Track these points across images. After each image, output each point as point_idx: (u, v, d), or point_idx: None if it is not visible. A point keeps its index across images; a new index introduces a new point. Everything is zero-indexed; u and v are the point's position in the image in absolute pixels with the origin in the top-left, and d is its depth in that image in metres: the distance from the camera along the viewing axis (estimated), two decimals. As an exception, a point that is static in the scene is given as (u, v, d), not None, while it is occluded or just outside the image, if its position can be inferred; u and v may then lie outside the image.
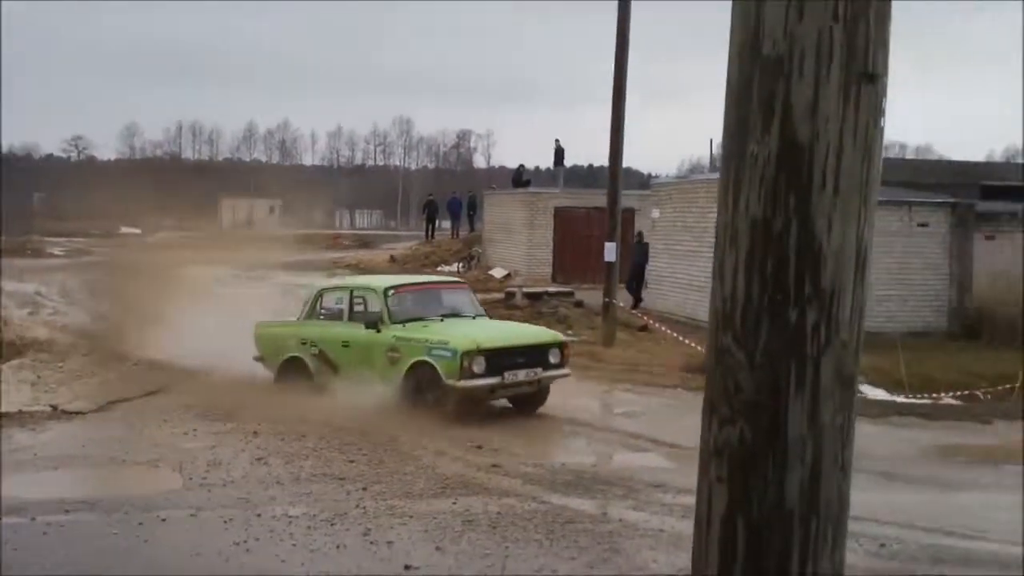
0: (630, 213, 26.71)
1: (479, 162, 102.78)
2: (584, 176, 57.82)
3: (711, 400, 1.96)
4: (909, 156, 74.94)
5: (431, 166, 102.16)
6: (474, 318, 13.88)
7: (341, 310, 13.91)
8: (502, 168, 77.67)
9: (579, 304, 22.67)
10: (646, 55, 47.46)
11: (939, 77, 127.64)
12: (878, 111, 1.93)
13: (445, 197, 43.70)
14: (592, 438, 12.23)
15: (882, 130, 1.95)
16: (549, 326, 16.63)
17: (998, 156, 73.20)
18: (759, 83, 1.91)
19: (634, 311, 22.34)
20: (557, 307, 21.97)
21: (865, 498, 9.90)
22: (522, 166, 40.05)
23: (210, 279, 21.18)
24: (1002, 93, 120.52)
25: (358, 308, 13.75)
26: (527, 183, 36.93)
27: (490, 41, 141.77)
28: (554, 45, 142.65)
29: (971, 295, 21.54)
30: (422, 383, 12.45)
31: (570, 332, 18.25)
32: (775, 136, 1.89)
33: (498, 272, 31.09)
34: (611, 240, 19.26)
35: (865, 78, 1.90)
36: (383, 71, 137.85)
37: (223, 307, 16.87)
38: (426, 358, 12.45)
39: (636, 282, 24.05)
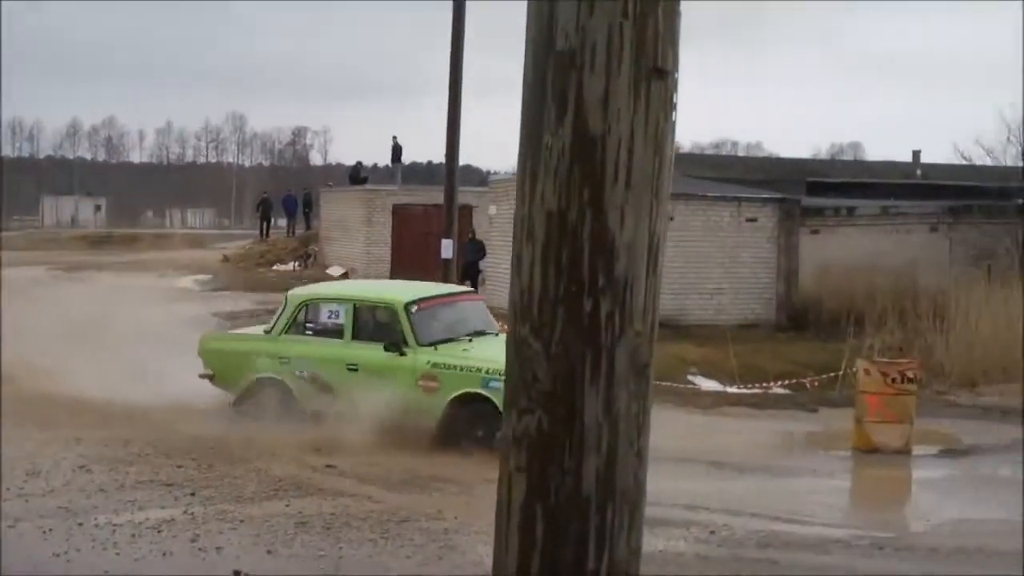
0: (468, 210, 26.83)
1: (316, 159, 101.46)
2: (423, 173, 57.77)
3: (511, 391, 1.98)
4: (741, 153, 77.37)
5: (266, 163, 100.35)
6: (497, 335, 12.07)
7: (340, 326, 11.85)
8: (340, 165, 76.85)
9: (417, 301, 22.65)
10: (484, 50, 47.48)
11: (771, 77, 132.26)
12: (669, 106, 1.98)
13: (280, 195, 43.12)
14: (428, 436, 12.20)
15: (673, 125, 2.00)
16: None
17: (824, 153, 76.20)
18: (553, 77, 1.94)
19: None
20: (394, 305, 21.87)
21: (696, 486, 10.23)
22: (360, 163, 39.81)
23: (28, 281, 20.37)
24: (830, 93, 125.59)
25: (365, 324, 11.88)
26: (364, 180, 36.69)
27: (327, 36, 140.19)
28: (392, 40, 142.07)
29: (798, 288, 22.36)
30: (473, 418, 10.93)
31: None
32: (568, 129, 1.92)
33: (335, 270, 30.80)
34: (448, 237, 19.29)
35: (655, 73, 1.94)
36: (215, 66, 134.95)
37: (44, 310, 16.21)
38: (481, 391, 10.91)
39: (471, 280, 24.16)
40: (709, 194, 23.09)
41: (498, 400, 10.51)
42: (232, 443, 10.72)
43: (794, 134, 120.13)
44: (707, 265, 22.04)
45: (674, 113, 2.00)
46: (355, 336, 11.73)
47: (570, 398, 1.90)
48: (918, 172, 38.07)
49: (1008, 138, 27.36)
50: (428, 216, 28.00)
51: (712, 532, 8.76)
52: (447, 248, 19.24)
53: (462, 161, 20.23)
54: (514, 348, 1.98)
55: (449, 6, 18.96)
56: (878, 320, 18.33)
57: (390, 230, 31.11)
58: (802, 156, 54.39)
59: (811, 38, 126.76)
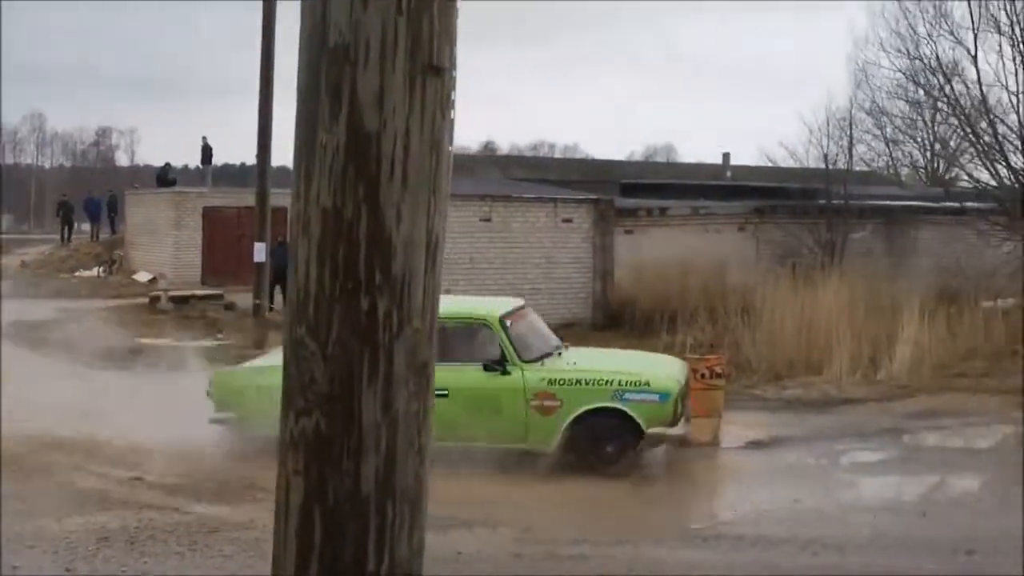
0: (283, 213, 26.32)
1: (122, 160, 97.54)
2: (235, 175, 56.39)
3: (288, 393, 1.94)
4: (558, 155, 78.45)
5: (68, 164, 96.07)
6: (568, 348, 11.80)
7: None
8: (147, 167, 74.25)
9: (229, 307, 22.23)
10: (296, 50, 46.66)
11: (587, 80, 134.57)
12: (446, 103, 1.97)
13: (84, 197, 41.60)
14: (247, 442, 11.90)
15: (452, 122, 1.99)
16: (198, 330, 16.11)
17: (638, 155, 77.94)
18: (326, 72, 1.91)
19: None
20: (205, 311, 21.42)
21: (512, 486, 10.30)
22: (168, 164, 38.73)
23: None
24: (645, 96, 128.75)
25: (445, 342, 10.41)
26: (173, 182, 35.71)
27: (133, 33, 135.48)
28: (203, 39, 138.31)
29: (613, 287, 22.82)
30: (602, 436, 10.39)
31: (220, 336, 17.82)
32: (343, 125, 1.89)
33: (142, 276, 29.84)
34: (261, 240, 18.96)
35: (431, 70, 1.93)
36: (9, 62, 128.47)
37: None
38: (615, 404, 10.33)
39: (282, 286, 23.77)
40: (526, 195, 23.37)
41: (636, 412, 10.26)
42: (30, 458, 10.27)
43: (610, 136, 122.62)
44: (525, 266, 22.31)
45: (452, 111, 1.99)
46: (438, 358, 10.53)
47: (348, 399, 1.88)
48: (728, 173, 39.35)
49: (810, 140, 28.54)
50: (241, 219, 27.34)
51: (527, 530, 8.88)
52: (260, 252, 18.93)
53: (275, 162, 19.97)
54: (291, 349, 1.94)
55: (260, 6, 18.66)
56: (690, 317, 18.87)
57: (201, 234, 30.30)
58: (617, 158, 55.56)
59: (626, 42, 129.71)
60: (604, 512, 9.62)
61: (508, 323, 10.88)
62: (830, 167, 26.49)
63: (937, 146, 31.09)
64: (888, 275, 21.07)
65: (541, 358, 10.88)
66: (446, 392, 10.16)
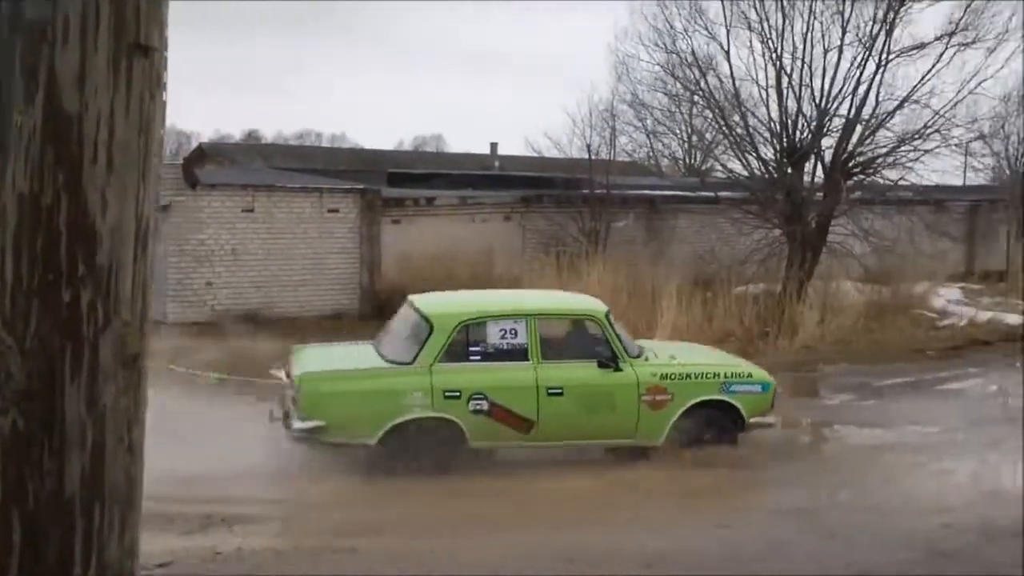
0: None
1: None
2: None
3: (-20, 392, 1.83)
4: (325, 144, 77.56)
5: None
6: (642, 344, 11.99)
7: (519, 346, 10.47)
8: None
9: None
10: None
11: (356, 70, 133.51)
12: (156, 85, 1.90)
13: None
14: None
15: (163, 105, 1.93)
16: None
17: (407, 145, 77.97)
18: (22, 51, 1.80)
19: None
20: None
21: (281, 484, 10.14)
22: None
23: None
24: (414, 86, 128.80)
25: (551, 340, 10.84)
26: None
27: None
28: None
29: (381, 277, 22.77)
30: (705, 428, 10.89)
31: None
32: (40, 107, 1.80)
33: None
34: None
35: (139, 50, 1.86)
36: None
37: None
38: (722, 397, 10.82)
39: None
40: (290, 185, 23.01)
41: (741, 404, 10.81)
42: None
43: (378, 126, 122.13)
44: (291, 257, 21.99)
45: (164, 93, 1.93)
46: (545, 356, 10.56)
47: (49, 395, 1.79)
48: (495, 164, 39.84)
49: (574, 131, 29.27)
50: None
51: (286, 524, 8.78)
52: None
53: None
54: (-15, 345, 1.83)
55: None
56: (457, 307, 18.97)
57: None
58: (385, 148, 55.45)
59: (395, 31, 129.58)
60: (374, 505, 9.61)
61: (613, 319, 11.05)
62: (593, 157, 27.27)
63: (694, 138, 32.47)
64: (649, 262, 21.86)
65: (641, 353, 11.10)
66: (561, 391, 10.43)
